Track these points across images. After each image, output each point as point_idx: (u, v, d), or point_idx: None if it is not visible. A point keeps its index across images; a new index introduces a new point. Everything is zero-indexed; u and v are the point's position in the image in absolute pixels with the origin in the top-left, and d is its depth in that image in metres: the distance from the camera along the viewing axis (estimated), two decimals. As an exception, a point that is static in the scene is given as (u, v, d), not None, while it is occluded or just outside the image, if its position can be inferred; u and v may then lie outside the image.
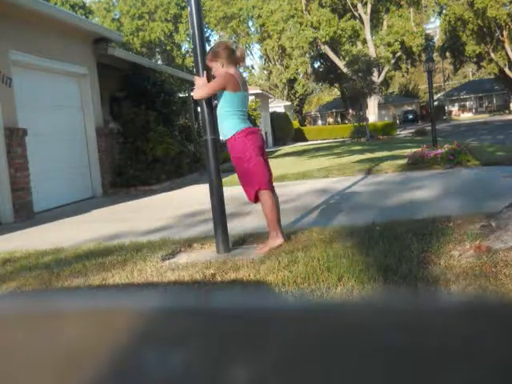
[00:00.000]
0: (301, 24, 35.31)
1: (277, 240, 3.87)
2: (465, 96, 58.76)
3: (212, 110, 4.09)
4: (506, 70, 43.96)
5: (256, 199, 3.96)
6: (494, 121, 34.74)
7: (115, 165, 10.39)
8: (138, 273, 3.44)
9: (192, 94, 4.06)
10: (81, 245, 4.67)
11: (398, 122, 45.08)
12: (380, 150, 14.67)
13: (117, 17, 45.40)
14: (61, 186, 8.69)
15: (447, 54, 47.95)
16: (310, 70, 43.15)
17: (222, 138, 4.06)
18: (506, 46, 41.46)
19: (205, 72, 3.94)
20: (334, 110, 55.71)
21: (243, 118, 3.92)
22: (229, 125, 3.88)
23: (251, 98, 26.19)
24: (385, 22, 37.02)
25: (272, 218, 3.90)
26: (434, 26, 56.73)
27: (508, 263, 2.91)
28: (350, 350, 0.29)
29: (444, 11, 42.36)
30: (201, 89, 3.93)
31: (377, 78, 31.55)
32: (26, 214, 7.30)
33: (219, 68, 3.90)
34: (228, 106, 3.87)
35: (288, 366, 0.29)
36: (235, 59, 3.94)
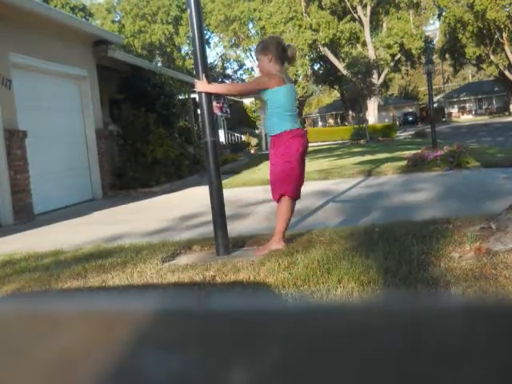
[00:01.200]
0: (300, 26, 35.35)
1: (278, 244, 3.86)
2: (464, 98, 58.80)
3: (212, 111, 4.09)
4: (506, 72, 44.00)
5: (279, 200, 3.93)
6: (493, 123, 34.76)
7: (115, 167, 10.39)
8: (138, 275, 3.44)
9: (196, 87, 3.93)
10: (81, 247, 4.67)
11: (397, 123, 45.09)
12: (380, 152, 14.67)
13: (117, 19, 45.46)
14: (61, 188, 8.69)
15: (447, 55, 48.02)
16: (309, 72, 43.20)
17: (266, 132, 4.00)
18: (506, 47, 41.51)
19: (204, 75, 3.93)
20: (333, 112, 55.76)
21: (293, 117, 3.84)
22: (278, 121, 3.78)
23: (250, 100, 26.21)
24: (384, 24, 37.08)
25: (282, 224, 3.88)
26: (434, 28, 56.83)
27: (508, 265, 2.91)
28: (350, 351, 0.29)
29: (444, 13, 42.41)
30: (223, 85, 3.84)
31: (376, 79, 31.58)
32: (25, 216, 7.30)
33: (266, 63, 3.84)
34: (276, 103, 3.78)
35: (288, 368, 0.29)
36: (285, 57, 3.89)
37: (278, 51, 3.84)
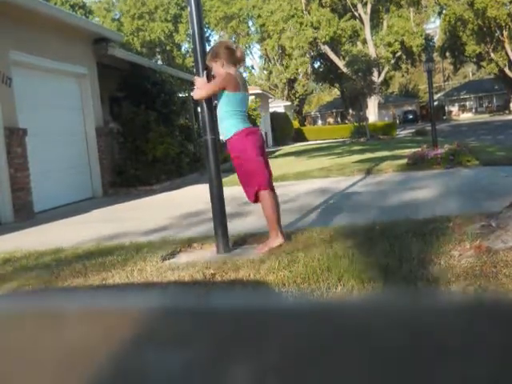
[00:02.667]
0: (301, 24, 35.30)
1: (277, 240, 3.87)
2: (465, 96, 58.74)
3: (212, 110, 4.09)
4: (506, 70, 43.95)
5: (256, 199, 3.96)
6: (493, 121, 34.73)
7: (115, 165, 10.39)
8: (138, 273, 3.44)
9: (192, 94, 4.06)
10: (81, 245, 4.67)
11: (398, 122, 45.05)
12: (380, 150, 14.67)
13: (117, 17, 45.40)
14: (61, 186, 8.69)
15: (447, 53, 47.96)
16: (310, 70, 43.14)
17: (221, 137, 4.06)
18: (506, 45, 41.46)
19: (205, 72, 3.94)
20: (334, 110, 55.71)
21: (243, 118, 3.92)
22: (228, 125, 3.88)
23: (251, 97, 26.17)
24: (385, 22, 37.02)
25: (272, 219, 3.90)
26: (434, 26, 56.74)
27: (508, 263, 2.91)
28: (351, 349, 0.29)
29: (444, 11, 42.35)
30: (200, 89, 3.93)
31: (377, 77, 31.55)
32: (26, 214, 7.30)
33: (219, 68, 3.90)
34: (228, 106, 3.87)
35: (288, 366, 0.29)
36: (235, 59, 3.95)
37: (227, 55, 3.90)
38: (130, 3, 43.50)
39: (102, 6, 44.47)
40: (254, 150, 3.86)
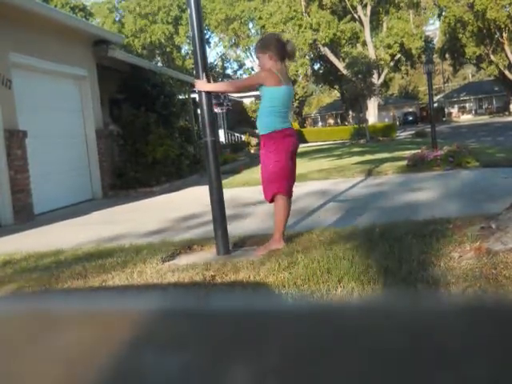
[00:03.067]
0: (300, 26, 35.34)
1: (278, 244, 3.86)
2: (464, 98, 58.78)
3: (212, 111, 4.09)
4: (506, 71, 43.98)
5: (271, 200, 3.94)
6: (493, 122, 34.75)
7: (115, 167, 10.39)
8: (138, 275, 3.44)
9: (196, 86, 3.93)
10: (81, 247, 4.67)
11: (397, 123, 45.08)
12: (380, 152, 14.67)
13: (118, 18, 45.43)
14: (61, 187, 8.69)
15: (447, 55, 47.99)
16: (309, 72, 43.17)
17: (257, 131, 4.01)
18: (506, 47, 41.49)
19: (204, 74, 3.93)
20: (333, 112, 55.74)
21: (283, 117, 3.84)
22: (268, 121, 3.80)
23: (251, 99, 26.20)
24: (384, 24, 37.06)
25: (280, 224, 3.89)
26: (434, 28, 56.83)
27: (508, 265, 2.91)
28: (351, 351, 0.29)
29: (444, 13, 42.40)
30: (220, 84, 3.87)
31: (376, 79, 31.58)
32: (25, 216, 7.30)
33: (267, 60, 3.83)
34: (268, 101, 3.79)
35: (288, 368, 0.29)
36: (285, 53, 3.88)
37: (277, 48, 3.84)
38: (134, 2, 43.51)
39: (105, 7, 44.49)
40: (285, 154, 3.81)
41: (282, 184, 3.85)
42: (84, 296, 0.42)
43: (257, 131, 4.00)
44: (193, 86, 4.13)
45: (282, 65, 3.88)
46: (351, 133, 27.55)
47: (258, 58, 3.93)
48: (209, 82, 3.95)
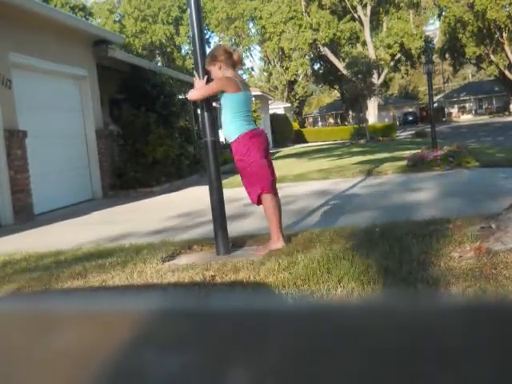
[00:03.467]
0: (300, 26, 35.35)
1: (277, 243, 3.87)
2: (464, 98, 58.79)
3: (212, 111, 4.09)
4: (506, 71, 43.99)
5: (259, 202, 3.95)
6: (493, 122, 34.76)
7: (115, 167, 10.39)
8: (138, 274, 3.44)
9: (187, 95, 4.06)
10: (80, 247, 4.67)
11: (397, 123, 45.09)
12: (380, 152, 14.68)
13: (118, 19, 45.43)
14: (61, 187, 8.69)
15: (447, 55, 48.01)
16: (309, 72, 43.18)
17: (225, 139, 4.05)
18: (506, 47, 41.50)
19: (205, 76, 3.94)
20: (333, 112, 55.76)
21: (247, 120, 3.90)
22: (232, 127, 3.86)
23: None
24: (384, 24, 37.07)
25: (273, 222, 3.90)
26: (434, 28, 56.82)
27: (508, 265, 2.91)
28: (351, 351, 0.29)
29: (444, 13, 42.40)
30: (196, 90, 3.94)
31: (376, 79, 31.58)
32: (25, 216, 7.30)
33: (217, 71, 3.90)
34: (231, 108, 3.85)
35: (288, 368, 0.29)
36: (233, 62, 3.95)
37: (225, 57, 3.90)
38: (134, 4, 43.53)
39: (105, 7, 44.48)
40: (258, 153, 3.85)
41: (264, 183, 3.88)
42: (84, 296, 0.42)
43: (224, 140, 4.05)
44: (193, 86, 4.14)
45: (234, 72, 3.95)
46: (351, 133, 27.56)
47: (209, 71, 3.96)
48: (208, 83, 3.96)
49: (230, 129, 3.88)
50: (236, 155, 3.91)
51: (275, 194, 4.00)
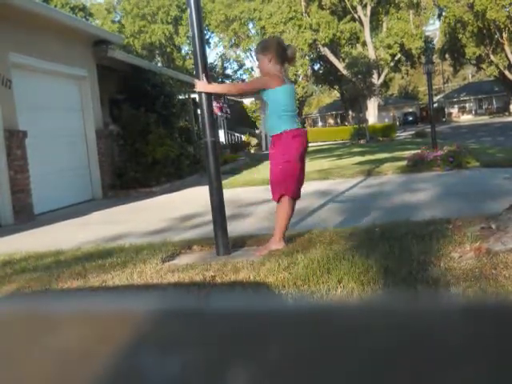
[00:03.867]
0: (300, 26, 35.36)
1: (278, 244, 3.86)
2: (464, 98, 58.79)
3: (212, 111, 4.09)
4: (506, 72, 43.99)
5: (278, 200, 3.93)
6: (493, 123, 34.76)
7: (115, 167, 10.39)
8: (138, 275, 3.44)
9: (196, 87, 3.95)
10: (80, 247, 4.67)
11: (397, 123, 45.09)
12: (380, 152, 14.68)
13: (117, 19, 45.44)
14: (61, 188, 8.69)
15: (447, 55, 48.01)
16: (309, 72, 43.19)
17: (266, 132, 4.02)
18: (506, 47, 41.50)
19: (204, 75, 3.92)
20: (333, 112, 55.77)
21: (293, 117, 3.84)
22: (278, 122, 3.78)
23: (251, 100, 26.19)
24: (384, 24, 37.07)
25: (282, 225, 3.88)
26: (434, 28, 56.82)
27: (508, 265, 2.91)
28: (351, 351, 0.29)
29: (444, 13, 42.41)
30: (234, 86, 3.86)
31: (376, 79, 31.58)
32: (25, 216, 7.30)
33: (266, 63, 3.83)
34: (276, 103, 3.78)
35: (288, 368, 0.29)
36: (285, 57, 3.89)
37: (277, 51, 3.83)
38: (133, 2, 43.54)
39: (103, 8, 44.50)
40: (296, 154, 3.79)
41: (290, 185, 3.84)
42: (84, 296, 0.42)
43: (260, 132, 4.03)
44: (193, 86, 4.13)
45: (281, 68, 3.89)
46: (351, 133, 27.55)
47: (258, 59, 3.93)
48: (209, 83, 3.94)
49: (276, 123, 3.79)
50: (273, 148, 3.85)
51: (296, 198, 3.97)
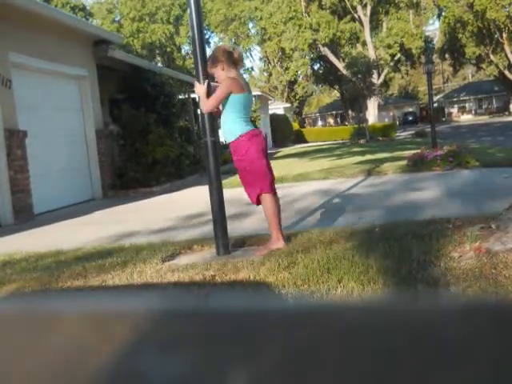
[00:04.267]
0: (300, 26, 35.35)
1: (277, 243, 3.87)
2: (464, 98, 58.78)
3: (212, 112, 4.09)
4: (506, 71, 43.98)
5: (258, 202, 3.96)
6: (493, 122, 34.76)
7: (115, 167, 10.39)
8: (138, 274, 3.44)
9: (201, 107, 4.04)
10: (80, 247, 4.67)
11: (397, 123, 45.08)
12: (380, 152, 14.68)
13: (117, 19, 45.45)
14: (61, 187, 8.69)
15: (447, 55, 47.99)
16: (309, 72, 43.18)
17: (224, 140, 4.06)
18: (506, 47, 41.49)
19: (206, 81, 3.92)
20: (333, 112, 55.76)
21: (246, 121, 3.92)
22: (232, 127, 3.87)
23: (251, 99, 26.16)
24: (384, 24, 37.07)
25: (273, 221, 3.90)
26: (434, 28, 56.83)
27: (508, 265, 2.91)
28: (351, 351, 0.29)
29: (443, 13, 42.40)
30: (208, 101, 3.90)
31: (376, 79, 31.58)
32: (25, 216, 7.30)
33: (220, 72, 3.89)
34: (232, 108, 3.86)
35: (288, 368, 0.29)
36: (234, 61, 3.94)
37: (225, 57, 3.88)
38: (130, 5, 43.57)
39: (103, 8, 44.50)
40: (257, 153, 3.86)
41: (263, 183, 3.89)
42: (84, 296, 0.41)
43: (224, 140, 4.06)
44: (193, 86, 4.14)
45: (237, 72, 3.94)
46: (351, 133, 27.53)
47: (213, 74, 3.95)
48: (209, 87, 3.94)
49: (230, 129, 3.88)
50: (235, 155, 3.92)
51: (274, 193, 4.01)
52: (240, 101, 3.86)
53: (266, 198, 3.91)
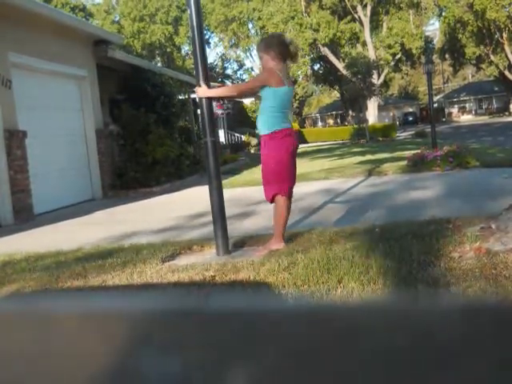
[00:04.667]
0: (300, 26, 35.36)
1: (278, 244, 3.86)
2: (464, 98, 58.77)
3: (212, 112, 4.09)
4: (506, 72, 43.97)
5: (272, 200, 3.94)
6: (493, 122, 34.75)
7: (115, 167, 10.39)
8: (138, 275, 3.44)
9: (227, 90, 3.93)
10: (80, 247, 4.67)
11: (397, 123, 45.07)
12: (380, 152, 14.68)
13: (117, 19, 45.46)
14: (61, 188, 8.69)
15: (447, 55, 47.99)
16: (309, 72, 43.18)
17: (257, 131, 4.02)
18: (506, 47, 41.49)
19: (204, 82, 3.89)
20: (333, 112, 55.74)
21: (284, 117, 3.83)
22: (268, 121, 3.79)
23: (251, 100, 26.20)
24: (384, 24, 37.07)
25: (280, 224, 3.89)
26: (434, 28, 56.79)
27: (508, 265, 2.91)
28: (351, 351, 0.29)
29: (443, 13, 42.40)
30: (235, 86, 3.84)
31: (376, 79, 31.58)
32: (25, 216, 7.30)
33: (268, 61, 3.82)
34: (271, 102, 3.78)
35: (288, 368, 0.29)
36: (287, 54, 3.88)
37: (279, 49, 3.82)
38: (131, 5, 43.58)
39: (102, 9, 44.51)
40: (286, 154, 3.81)
41: (283, 185, 3.85)
42: (84, 296, 0.42)
43: (257, 131, 3.99)
44: (193, 86, 4.12)
45: (283, 65, 3.87)
46: (351, 133, 27.55)
47: (260, 57, 3.92)
48: (209, 85, 3.93)
49: (265, 122, 3.81)
50: (264, 149, 3.86)
51: (289, 197, 3.98)
52: (278, 94, 3.77)
53: (281, 200, 3.88)
